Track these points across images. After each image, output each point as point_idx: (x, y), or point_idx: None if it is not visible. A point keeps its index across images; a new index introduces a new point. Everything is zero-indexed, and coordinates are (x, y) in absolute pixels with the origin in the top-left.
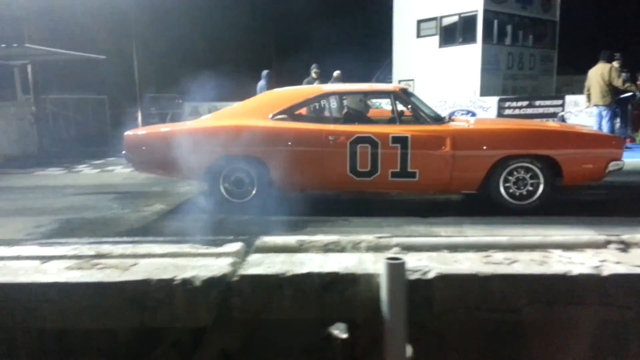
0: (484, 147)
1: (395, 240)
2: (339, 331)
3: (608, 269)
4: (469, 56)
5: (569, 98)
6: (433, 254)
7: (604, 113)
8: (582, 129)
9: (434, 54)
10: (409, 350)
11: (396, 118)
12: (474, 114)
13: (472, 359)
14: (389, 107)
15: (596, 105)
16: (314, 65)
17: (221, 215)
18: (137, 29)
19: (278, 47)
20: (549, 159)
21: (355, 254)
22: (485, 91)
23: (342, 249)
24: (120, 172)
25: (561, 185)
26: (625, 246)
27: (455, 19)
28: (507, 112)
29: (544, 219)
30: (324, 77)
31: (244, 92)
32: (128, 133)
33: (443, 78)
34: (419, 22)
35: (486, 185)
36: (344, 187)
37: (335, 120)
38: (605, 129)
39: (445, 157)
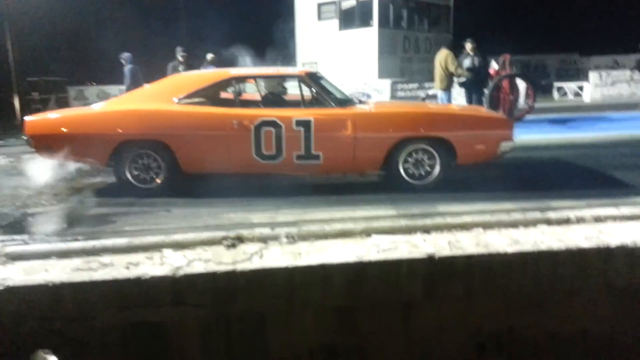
0: (384, 130)
1: (8, 249)
2: None
3: (184, 270)
4: (367, 39)
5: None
6: (36, 262)
7: (443, 97)
8: (478, 110)
9: (334, 37)
10: None
11: (301, 102)
12: (368, 96)
13: None
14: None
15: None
16: (179, 48)
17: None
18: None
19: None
20: (444, 140)
21: None
22: (383, 74)
23: None
24: None
25: (456, 165)
26: (238, 241)
27: (353, 2)
28: (400, 94)
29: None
30: (193, 60)
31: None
32: (30, 118)
33: (344, 60)
34: (320, 5)
35: (387, 166)
36: (250, 170)
37: (241, 104)
38: None
39: (347, 139)
